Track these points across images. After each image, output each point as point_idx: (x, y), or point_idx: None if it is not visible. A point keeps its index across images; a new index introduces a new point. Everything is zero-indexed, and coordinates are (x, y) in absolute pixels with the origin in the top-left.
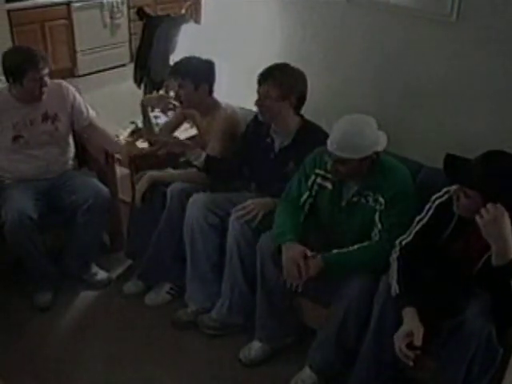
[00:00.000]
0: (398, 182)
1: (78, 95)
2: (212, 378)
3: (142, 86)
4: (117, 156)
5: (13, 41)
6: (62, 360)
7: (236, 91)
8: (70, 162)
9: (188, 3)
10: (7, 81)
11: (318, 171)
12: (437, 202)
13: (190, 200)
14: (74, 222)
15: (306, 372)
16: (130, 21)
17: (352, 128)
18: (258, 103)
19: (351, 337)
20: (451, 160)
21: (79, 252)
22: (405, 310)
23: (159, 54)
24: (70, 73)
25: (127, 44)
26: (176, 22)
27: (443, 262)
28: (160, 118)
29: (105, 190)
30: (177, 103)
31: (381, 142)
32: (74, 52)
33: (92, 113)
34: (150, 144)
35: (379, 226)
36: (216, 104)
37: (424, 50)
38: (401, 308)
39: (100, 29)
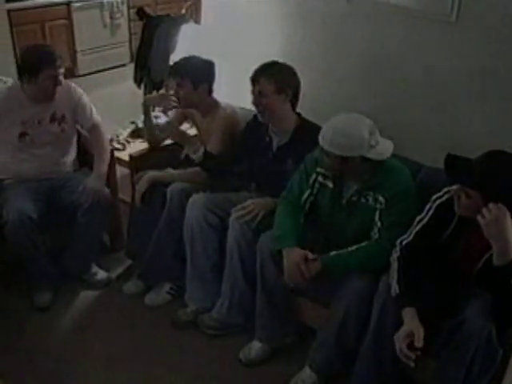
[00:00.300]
0: (398, 181)
1: (84, 97)
2: (212, 378)
3: (142, 85)
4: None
5: (13, 41)
6: (62, 360)
7: (236, 91)
8: (72, 163)
9: (188, 3)
10: (20, 78)
11: (319, 170)
12: (437, 202)
13: (190, 200)
14: (74, 222)
15: (306, 372)
16: (130, 21)
17: (342, 125)
18: (256, 102)
19: (351, 337)
20: (452, 160)
21: (79, 252)
22: (405, 310)
23: (159, 54)
24: (70, 73)
25: (127, 44)
26: (176, 22)
27: (443, 262)
28: (160, 118)
29: (106, 190)
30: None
31: (378, 149)
32: (74, 52)
33: (96, 118)
34: (150, 144)
35: (379, 224)
36: (216, 104)
37: (424, 50)
38: (401, 308)
39: (100, 29)
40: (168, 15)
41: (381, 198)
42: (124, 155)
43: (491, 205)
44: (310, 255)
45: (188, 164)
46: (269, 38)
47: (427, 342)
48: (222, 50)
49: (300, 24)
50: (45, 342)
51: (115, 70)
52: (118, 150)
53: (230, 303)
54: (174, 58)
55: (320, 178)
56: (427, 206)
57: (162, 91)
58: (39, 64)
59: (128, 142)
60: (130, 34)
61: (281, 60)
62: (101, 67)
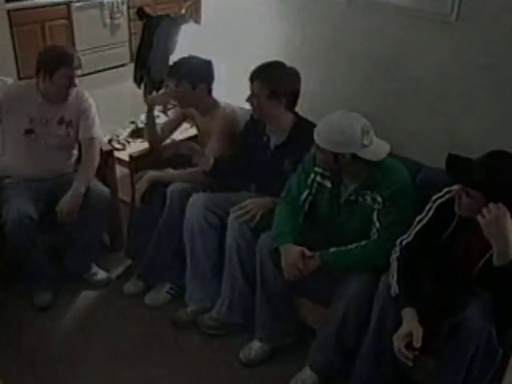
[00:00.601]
0: (396, 180)
1: (93, 109)
2: (212, 378)
3: (142, 85)
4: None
5: (13, 41)
6: (62, 360)
7: (236, 91)
8: (73, 164)
9: (188, 3)
10: (37, 75)
11: (317, 169)
12: (437, 202)
13: (190, 200)
14: (74, 221)
15: (306, 372)
16: (129, 21)
17: (335, 122)
18: (249, 100)
19: (351, 337)
20: (453, 160)
21: (79, 252)
22: (404, 310)
23: (159, 54)
24: None
25: (127, 44)
26: (176, 22)
27: (443, 262)
28: (160, 118)
29: (106, 190)
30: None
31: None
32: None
33: (97, 133)
34: (151, 144)
35: (377, 224)
36: (215, 103)
37: (424, 50)
38: (400, 308)
39: (100, 29)
40: (168, 15)
41: (378, 198)
42: (124, 155)
43: (491, 205)
44: (307, 252)
45: (188, 164)
46: (269, 38)
47: (427, 342)
48: (222, 50)
49: (300, 24)
50: (45, 342)
51: (115, 69)
52: (117, 150)
53: (230, 303)
54: (174, 58)
55: (318, 178)
56: (427, 206)
57: (162, 91)
58: (57, 62)
59: (128, 142)
60: (130, 33)
61: (281, 59)
62: (101, 67)
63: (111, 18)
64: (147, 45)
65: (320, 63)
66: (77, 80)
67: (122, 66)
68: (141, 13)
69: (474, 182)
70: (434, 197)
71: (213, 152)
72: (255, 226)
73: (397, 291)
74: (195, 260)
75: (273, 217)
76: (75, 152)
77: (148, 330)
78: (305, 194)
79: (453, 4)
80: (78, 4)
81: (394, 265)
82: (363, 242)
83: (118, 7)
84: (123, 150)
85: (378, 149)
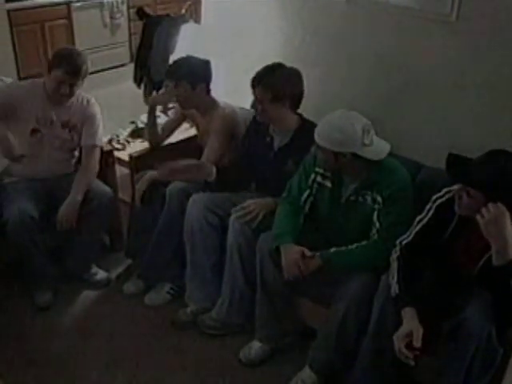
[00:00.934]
0: (396, 181)
1: (98, 117)
2: (212, 378)
3: (142, 85)
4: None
5: (13, 41)
6: (62, 360)
7: (236, 91)
8: (73, 165)
9: (188, 3)
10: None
11: (317, 169)
12: (437, 202)
13: (190, 200)
14: (73, 227)
15: (306, 372)
16: (129, 21)
17: (336, 121)
18: (254, 106)
19: (351, 337)
20: (453, 159)
21: (79, 252)
22: (404, 310)
23: (159, 54)
24: None
25: (127, 44)
26: (176, 21)
27: (443, 262)
28: (160, 118)
29: (108, 190)
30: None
31: (373, 148)
32: None
33: (99, 141)
34: (151, 144)
35: (377, 225)
36: (214, 103)
37: (424, 50)
38: (400, 308)
39: (100, 29)
40: (168, 15)
41: (379, 198)
42: (124, 155)
43: (490, 204)
44: (308, 252)
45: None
46: (269, 38)
47: (427, 342)
48: (222, 50)
49: (300, 24)
50: (45, 342)
51: (115, 69)
52: (117, 150)
53: (230, 303)
54: (174, 57)
55: (319, 178)
56: (427, 206)
57: (162, 91)
58: (56, 62)
59: (128, 142)
60: (130, 33)
61: (281, 60)
62: (101, 67)
63: (111, 17)
64: (147, 45)
65: (320, 63)
66: (75, 89)
67: (122, 66)
68: (141, 13)
69: (474, 181)
70: (434, 197)
71: (213, 151)
72: (256, 226)
73: (397, 291)
74: (195, 260)
75: (274, 217)
76: (77, 153)
77: (148, 330)
78: (305, 195)
79: (453, 4)
80: (78, 4)
81: (394, 265)
82: (363, 242)
83: (117, 7)
84: (123, 150)
85: (378, 148)
